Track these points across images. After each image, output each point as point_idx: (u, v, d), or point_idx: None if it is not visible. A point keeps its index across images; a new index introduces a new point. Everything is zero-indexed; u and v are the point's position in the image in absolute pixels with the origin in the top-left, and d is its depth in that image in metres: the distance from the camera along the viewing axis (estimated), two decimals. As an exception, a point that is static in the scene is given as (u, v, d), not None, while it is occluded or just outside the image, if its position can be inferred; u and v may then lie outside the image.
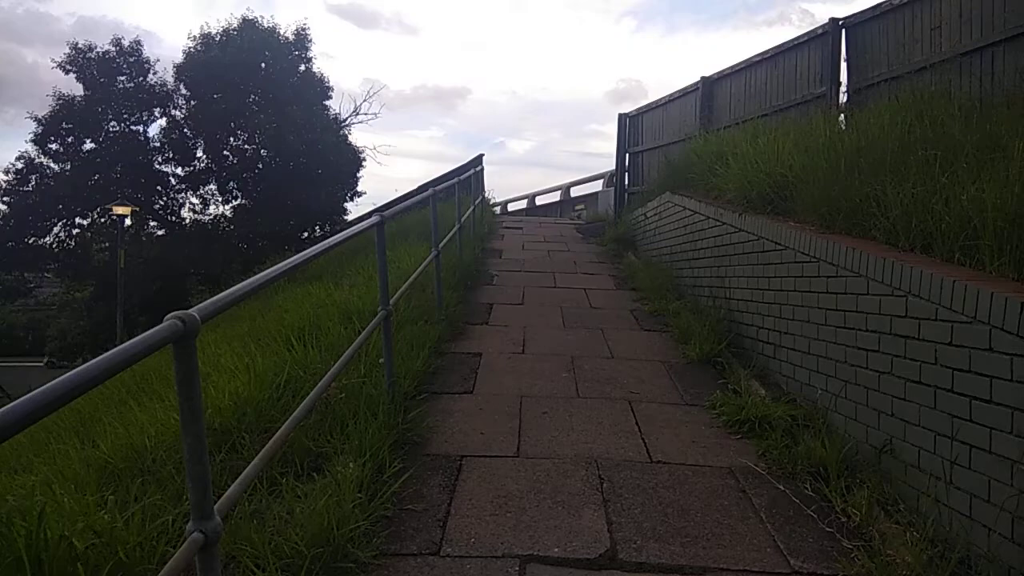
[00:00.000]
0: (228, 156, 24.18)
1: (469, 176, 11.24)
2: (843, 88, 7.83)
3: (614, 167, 15.92)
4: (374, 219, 4.17)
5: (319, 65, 31.67)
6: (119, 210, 17.21)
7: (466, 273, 8.23)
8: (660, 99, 11.88)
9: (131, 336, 1.72)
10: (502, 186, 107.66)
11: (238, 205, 24.44)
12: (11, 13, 54.17)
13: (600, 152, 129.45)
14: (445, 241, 7.69)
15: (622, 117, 12.86)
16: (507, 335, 6.34)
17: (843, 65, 7.87)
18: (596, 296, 8.03)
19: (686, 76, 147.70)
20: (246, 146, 23.86)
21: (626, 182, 12.87)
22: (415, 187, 19.07)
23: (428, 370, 5.13)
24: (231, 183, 24.23)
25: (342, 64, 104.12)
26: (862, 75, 7.44)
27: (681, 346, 6.13)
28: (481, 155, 16.97)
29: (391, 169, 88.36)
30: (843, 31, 7.78)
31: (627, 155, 12.86)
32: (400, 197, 14.79)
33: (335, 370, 3.38)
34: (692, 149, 8.97)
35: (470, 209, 10.60)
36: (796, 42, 8.52)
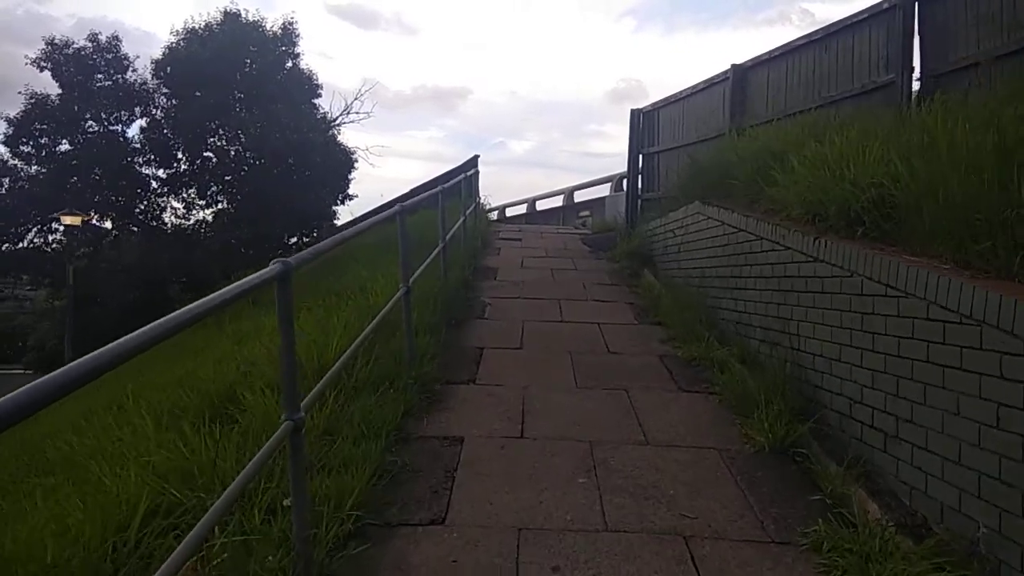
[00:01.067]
0: (210, 157, 22.43)
1: (459, 182, 9.45)
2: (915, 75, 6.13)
3: (624, 170, 14.17)
4: (273, 269, 2.40)
5: (307, 61, 29.83)
6: (67, 220, 15.40)
7: (452, 304, 6.48)
8: (680, 92, 10.11)
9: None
10: (502, 187, 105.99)
11: (219, 210, 22.69)
12: (11, 15, 52.40)
13: (601, 152, 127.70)
14: (424, 266, 5.95)
15: (635, 113, 11.09)
16: (500, 403, 4.58)
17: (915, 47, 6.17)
18: (614, 334, 6.27)
19: (687, 75, 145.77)
20: (228, 147, 22.11)
21: (639, 187, 11.11)
22: (408, 189, 17.36)
23: (378, 482, 3.38)
24: (212, 186, 22.47)
25: (342, 65, 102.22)
26: (940, 58, 5.72)
27: (739, 421, 4.37)
28: (476, 157, 15.25)
29: (390, 169, 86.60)
30: (915, 4, 6.06)
31: (640, 156, 11.09)
32: (384, 205, 13.10)
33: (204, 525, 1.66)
34: (731, 148, 7.22)
35: (459, 221, 8.85)
36: (853, 20, 6.76)
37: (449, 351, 5.53)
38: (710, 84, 9.45)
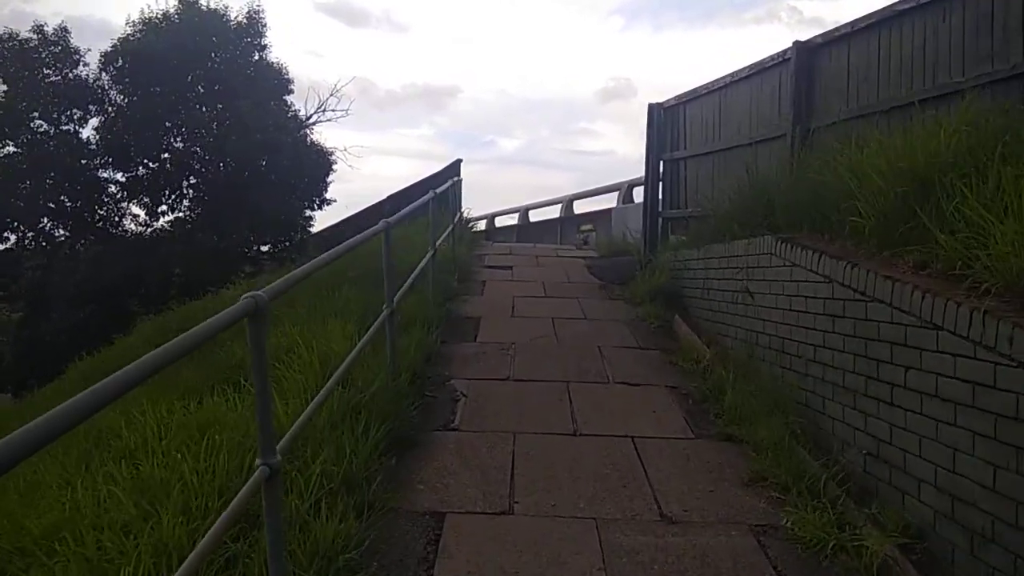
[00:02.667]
0: (167, 159, 19.74)
1: (427, 202, 6.81)
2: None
3: (633, 177, 11.66)
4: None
5: (278, 55, 26.93)
6: None
7: (400, 415, 3.92)
8: (715, 81, 7.58)
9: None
10: (492, 186, 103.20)
11: (177, 218, 20.01)
12: (-3, 14, 49.21)
13: (591, 151, 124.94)
14: (356, 354, 3.42)
15: (654, 109, 8.55)
16: None
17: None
18: (661, 467, 3.71)
19: (677, 75, 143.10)
20: (187, 148, 19.41)
21: (660, 201, 8.58)
22: (384, 197, 14.74)
23: None
24: (171, 191, 19.78)
25: (331, 63, 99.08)
26: None
27: None
28: (458, 161, 12.66)
29: (381, 168, 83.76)
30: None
31: (661, 163, 8.56)
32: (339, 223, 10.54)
33: None
34: (824, 163, 4.73)
35: (428, 256, 6.28)
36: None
37: (387, 521, 3.00)
38: (759, 70, 6.93)
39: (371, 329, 3.93)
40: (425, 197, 6.44)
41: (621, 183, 11.72)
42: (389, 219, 4.18)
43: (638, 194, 11.85)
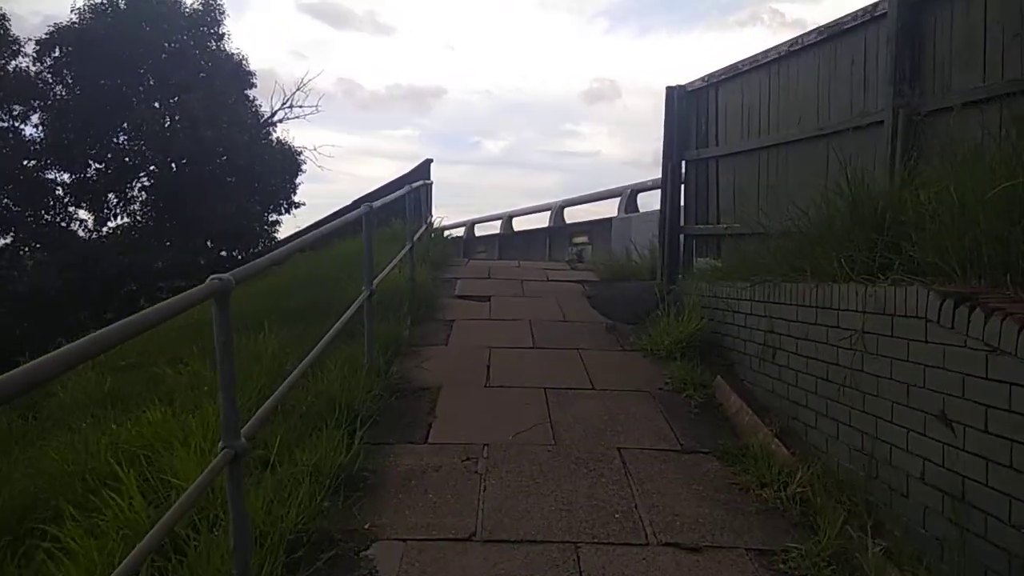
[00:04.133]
0: (114, 159, 17.32)
1: (375, 208, 4.52)
2: None
3: (635, 181, 9.52)
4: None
5: (238, 46, 24.34)
6: None
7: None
8: (762, 54, 5.45)
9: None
10: (479, 188, 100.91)
11: (124, 224, 17.61)
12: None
13: (576, 152, 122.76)
14: None
15: (674, 94, 6.38)
16: None
17: None
18: None
19: (661, 76, 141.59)
20: (134, 146, 17.01)
21: (682, 212, 6.42)
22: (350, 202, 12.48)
23: None
24: (114, 194, 17.37)
25: (315, 64, 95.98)
26: None
27: None
28: (428, 162, 10.45)
29: (366, 169, 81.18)
30: None
31: (684, 164, 6.40)
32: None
33: None
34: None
35: (361, 298, 4.09)
36: None
37: None
38: (832, 34, 4.81)
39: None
40: (354, 214, 4.22)
41: (623, 188, 9.57)
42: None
43: (643, 202, 9.70)
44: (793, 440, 3.79)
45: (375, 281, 4.35)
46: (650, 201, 9.70)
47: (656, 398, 4.22)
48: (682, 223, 6.39)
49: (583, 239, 10.37)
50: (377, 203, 4.41)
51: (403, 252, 5.89)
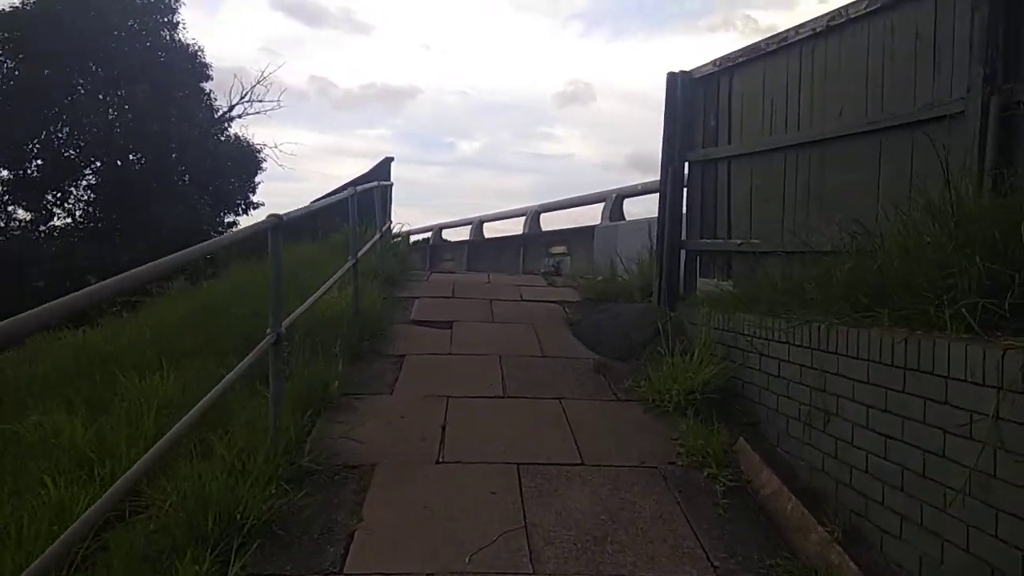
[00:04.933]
0: (51, 155, 15.74)
1: (284, 219, 3.31)
2: None
3: (621, 185, 8.40)
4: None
5: (193, 36, 22.64)
6: None
7: None
8: (793, 29, 4.34)
9: None
10: (454, 189, 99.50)
11: (58, 227, 16.03)
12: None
13: (551, 154, 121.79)
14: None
15: (677, 81, 5.25)
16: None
17: None
18: None
19: (635, 79, 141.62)
20: (72, 140, 15.47)
21: (683, 223, 5.29)
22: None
23: None
24: (53, 193, 15.80)
25: (290, 62, 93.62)
26: None
27: None
28: (388, 160, 9.21)
29: (338, 168, 79.30)
30: None
31: (688, 166, 5.28)
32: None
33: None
34: None
35: (264, 343, 2.88)
36: None
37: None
38: (891, 2, 3.73)
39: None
40: (252, 227, 2.99)
41: (607, 192, 8.46)
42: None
43: (629, 209, 8.59)
44: (864, 550, 2.68)
45: (291, 316, 3.14)
46: (641, 208, 8.62)
47: (668, 480, 3.07)
48: (683, 236, 5.28)
49: (561, 249, 9.25)
50: (290, 214, 3.20)
51: (344, 269, 4.67)
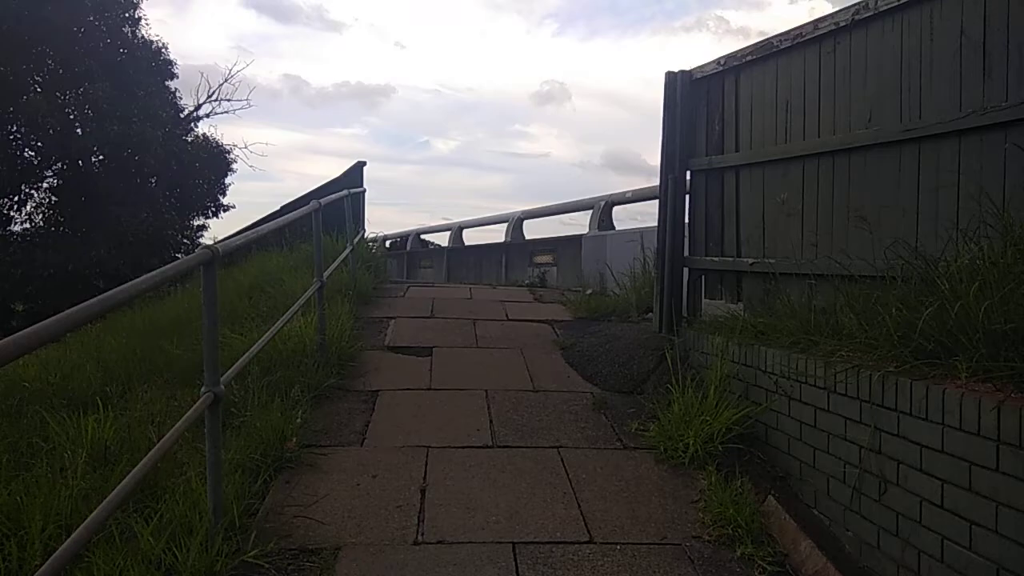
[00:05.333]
0: (16, 155, 14.82)
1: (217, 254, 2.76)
2: None
3: (625, 193, 7.88)
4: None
5: (157, 32, 21.68)
6: None
7: None
8: (811, 24, 3.84)
9: None
10: (430, 188, 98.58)
11: (14, 231, 15.12)
12: None
13: (527, 153, 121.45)
14: None
15: (677, 81, 4.73)
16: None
17: None
18: None
19: (609, 79, 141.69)
20: (26, 142, 14.58)
21: (685, 236, 4.78)
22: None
23: None
24: (5, 197, 14.88)
25: (261, 60, 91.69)
26: None
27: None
28: (360, 165, 8.61)
29: (312, 167, 78.02)
30: None
31: (690, 175, 4.77)
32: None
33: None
34: None
35: (197, 407, 2.30)
36: None
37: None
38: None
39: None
40: (179, 264, 2.37)
41: (595, 199, 7.94)
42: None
43: (619, 219, 8.08)
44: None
45: (239, 363, 2.57)
46: (624, 214, 8.10)
47: (696, 563, 2.54)
48: (686, 252, 4.77)
49: (546, 259, 8.72)
50: (226, 243, 2.62)
51: (308, 295, 4.08)
